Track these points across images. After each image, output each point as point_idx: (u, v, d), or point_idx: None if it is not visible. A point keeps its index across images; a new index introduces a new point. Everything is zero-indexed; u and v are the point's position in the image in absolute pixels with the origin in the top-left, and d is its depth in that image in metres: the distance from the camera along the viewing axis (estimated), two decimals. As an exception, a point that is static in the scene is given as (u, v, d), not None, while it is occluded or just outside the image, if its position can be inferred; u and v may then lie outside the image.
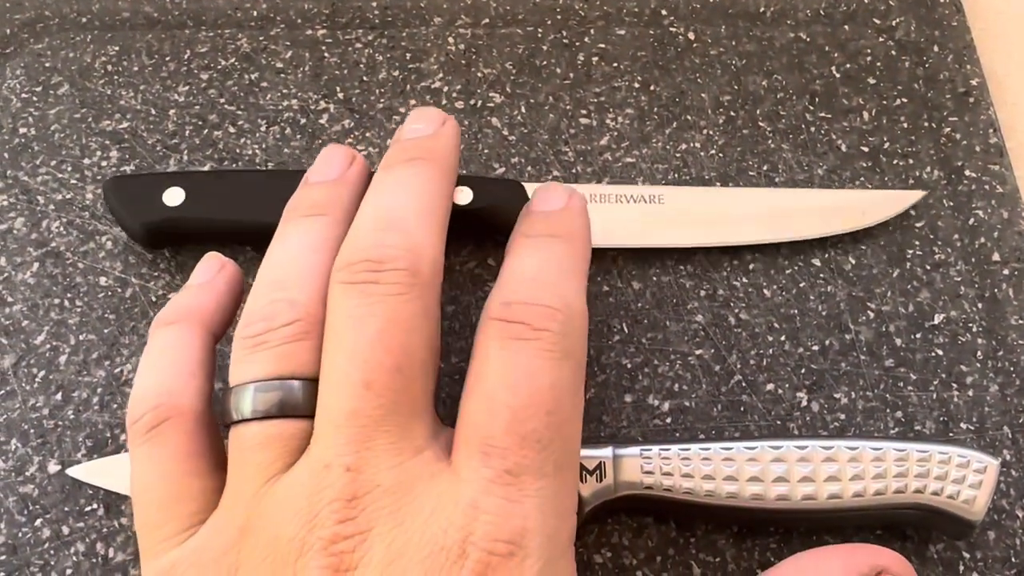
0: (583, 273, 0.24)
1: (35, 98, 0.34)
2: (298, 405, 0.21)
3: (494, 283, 0.31)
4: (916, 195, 0.32)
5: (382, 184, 0.24)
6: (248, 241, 0.31)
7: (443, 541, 0.19)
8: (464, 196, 0.30)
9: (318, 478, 0.19)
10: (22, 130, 0.33)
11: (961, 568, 0.27)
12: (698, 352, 0.30)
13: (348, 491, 0.19)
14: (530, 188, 0.31)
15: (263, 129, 0.34)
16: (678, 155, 0.33)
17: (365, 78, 0.35)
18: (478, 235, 0.32)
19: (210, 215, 0.30)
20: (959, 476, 0.26)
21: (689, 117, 0.34)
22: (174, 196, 0.29)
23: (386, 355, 0.20)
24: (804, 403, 0.29)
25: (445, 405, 0.29)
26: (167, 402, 0.22)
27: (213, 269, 0.25)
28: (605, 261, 0.31)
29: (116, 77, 0.35)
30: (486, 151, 0.33)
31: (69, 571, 0.27)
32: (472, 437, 0.20)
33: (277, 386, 0.21)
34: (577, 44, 0.36)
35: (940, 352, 0.30)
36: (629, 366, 0.30)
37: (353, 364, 0.20)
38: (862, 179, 0.33)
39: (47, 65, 0.35)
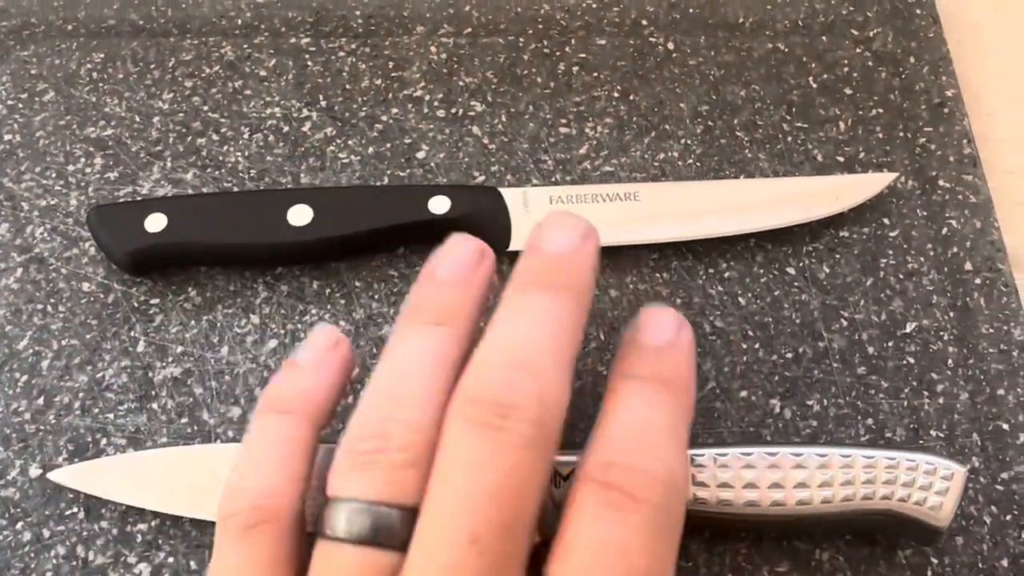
0: (687, 430, 0.22)
1: (20, 105, 0.35)
2: (395, 535, 0.20)
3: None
4: (888, 177, 0.33)
5: (516, 311, 0.22)
6: (233, 262, 0.31)
7: None
8: (441, 205, 0.31)
9: None
10: (7, 136, 0.34)
11: (929, 573, 0.28)
12: (673, 359, 0.30)
13: None
14: (508, 194, 0.32)
15: (246, 136, 0.34)
16: (656, 164, 0.34)
17: (348, 86, 0.35)
18: None
19: (193, 239, 0.30)
20: (926, 483, 0.26)
21: (668, 126, 0.35)
22: (156, 222, 0.30)
23: (499, 511, 0.19)
24: (777, 410, 0.30)
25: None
26: (269, 505, 0.21)
27: (326, 345, 0.24)
28: (582, 269, 0.32)
29: (101, 84, 0.35)
30: (466, 159, 0.34)
31: (49, 574, 0.27)
32: None
33: (378, 512, 0.20)
34: (558, 54, 0.36)
35: (912, 360, 0.31)
36: (605, 373, 0.30)
37: (463, 513, 0.19)
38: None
39: (33, 72, 0.35)
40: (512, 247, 0.31)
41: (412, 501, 0.20)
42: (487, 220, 0.31)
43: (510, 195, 0.32)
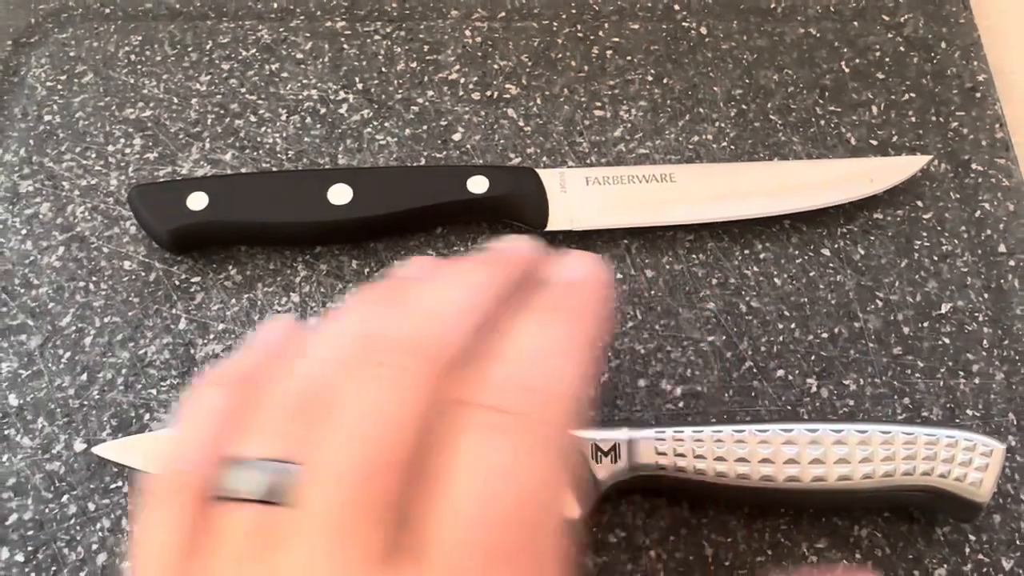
0: (586, 356, 0.21)
1: (60, 86, 0.35)
2: (288, 491, 0.19)
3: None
4: (922, 160, 0.33)
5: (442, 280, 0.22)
6: (273, 242, 0.32)
7: None
8: (479, 185, 0.31)
9: (291, 570, 0.18)
10: (47, 118, 0.34)
11: (967, 550, 0.28)
12: (710, 339, 0.31)
13: None
14: (545, 175, 0.32)
15: (283, 118, 0.34)
16: (690, 147, 0.34)
17: (383, 69, 0.35)
18: (493, 223, 0.32)
19: (234, 217, 0.30)
20: (966, 459, 0.26)
21: (701, 110, 0.35)
22: (198, 201, 0.30)
23: (389, 448, 0.19)
24: (814, 389, 0.30)
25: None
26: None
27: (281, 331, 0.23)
28: (619, 249, 0.32)
29: (139, 67, 0.35)
30: (502, 141, 0.34)
31: (95, 546, 0.27)
32: (435, 552, 0.18)
33: (270, 469, 0.20)
34: (592, 38, 0.37)
35: (947, 340, 0.31)
36: (643, 352, 0.30)
37: (348, 449, 0.19)
38: (871, 171, 0.34)
39: (71, 54, 0.36)
40: (550, 227, 0.31)
41: (301, 454, 0.19)
42: (525, 200, 0.31)
43: (547, 176, 0.32)
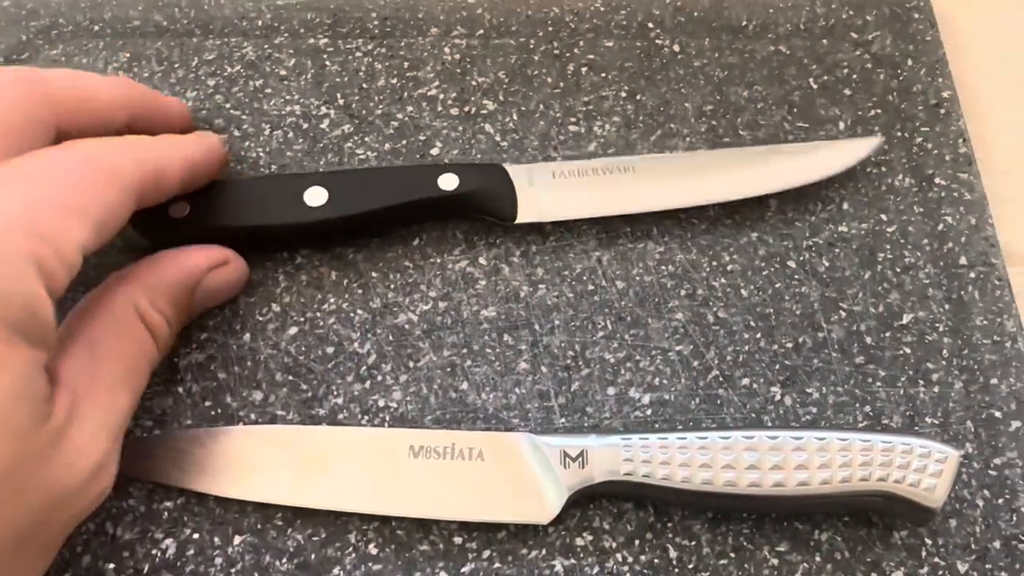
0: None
1: (49, 102, 0.36)
2: None
3: (485, 281, 0.33)
4: (874, 141, 0.34)
5: None
6: (254, 246, 0.33)
7: None
8: (450, 182, 0.32)
9: None
10: (37, 132, 0.35)
11: (923, 554, 0.29)
12: (678, 348, 0.32)
13: None
14: (512, 170, 0.33)
15: (267, 133, 0.35)
16: (662, 161, 0.35)
17: (365, 85, 0.37)
18: (465, 218, 0.33)
19: (215, 223, 0.31)
20: (921, 465, 0.27)
21: (673, 125, 0.36)
22: (179, 209, 0.31)
23: None
24: (778, 397, 0.31)
25: (436, 396, 0.30)
26: None
27: None
28: (590, 261, 0.33)
29: (127, 82, 0.36)
30: (479, 156, 0.35)
31: (79, 548, 0.28)
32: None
33: None
34: (567, 55, 0.38)
35: (908, 350, 0.32)
36: (612, 361, 0.31)
37: None
38: (836, 185, 0.35)
39: (61, 70, 0.37)
40: (520, 219, 0.32)
41: None
42: (495, 195, 0.32)
43: (515, 171, 0.33)
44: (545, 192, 0.33)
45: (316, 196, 0.31)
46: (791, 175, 0.33)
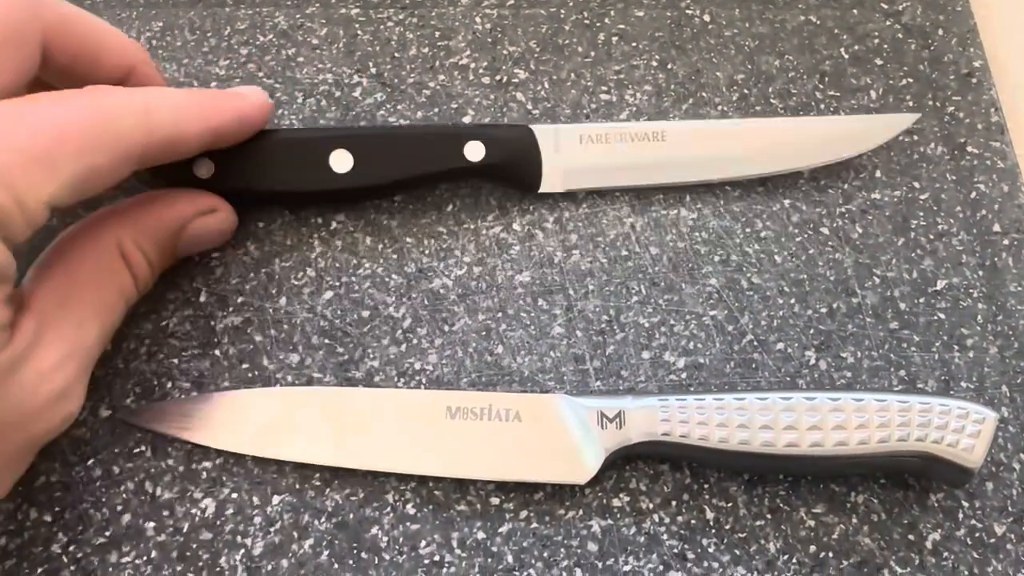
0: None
1: (83, 70, 0.36)
2: None
3: (519, 246, 0.33)
4: (911, 118, 0.34)
5: None
6: (283, 207, 0.33)
7: None
8: (476, 151, 0.32)
9: None
10: (71, 100, 0.35)
11: (960, 516, 0.29)
12: (712, 313, 0.32)
13: None
14: (539, 131, 0.33)
15: (300, 101, 0.35)
16: (694, 129, 0.35)
17: (396, 54, 0.37)
18: (490, 184, 0.34)
19: (240, 185, 0.31)
20: (959, 426, 0.27)
21: (704, 94, 0.36)
22: (205, 168, 0.31)
23: None
24: (812, 361, 0.31)
25: (472, 359, 0.31)
26: None
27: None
28: (624, 228, 0.33)
29: (160, 51, 0.36)
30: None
31: (119, 507, 0.28)
32: None
33: None
34: (598, 24, 0.38)
35: (942, 316, 0.32)
36: (647, 325, 0.31)
37: None
38: (869, 154, 0.35)
39: (94, 40, 0.37)
40: (542, 189, 0.33)
41: None
42: (519, 164, 0.32)
43: (542, 133, 0.33)
44: (571, 159, 0.33)
45: (342, 162, 0.31)
46: (825, 150, 0.33)
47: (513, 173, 0.32)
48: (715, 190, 0.34)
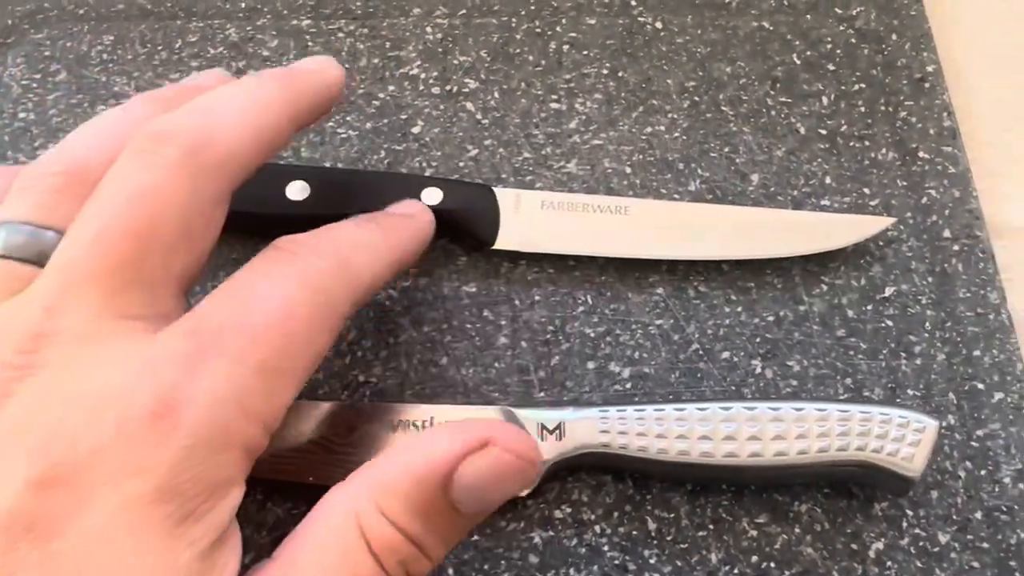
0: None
1: (35, 85, 0.36)
2: (44, 254, 0.21)
3: (466, 257, 0.33)
4: (884, 222, 0.32)
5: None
6: (235, 230, 0.33)
7: (104, 390, 0.19)
8: (433, 196, 0.31)
9: (16, 310, 0.20)
10: (22, 115, 0.35)
11: (904, 524, 0.29)
12: (658, 322, 0.32)
13: (36, 328, 0.19)
14: (500, 194, 0.32)
15: (249, 113, 0.35)
16: (644, 138, 0.35)
17: (347, 65, 0.37)
18: (444, 235, 0.32)
19: None
20: (899, 435, 0.27)
21: (655, 102, 0.36)
22: None
23: (129, 218, 0.20)
24: (758, 370, 0.31)
25: (416, 371, 0.31)
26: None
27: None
28: (571, 237, 0.33)
29: (111, 65, 0.37)
30: (460, 134, 0.35)
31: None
32: (189, 319, 0.21)
33: (27, 231, 0.21)
34: (549, 33, 0.38)
35: (890, 323, 0.32)
36: (592, 335, 0.31)
37: (93, 217, 0.20)
38: (819, 160, 0.35)
39: (46, 54, 0.37)
40: (498, 245, 0.32)
41: (60, 223, 0.21)
42: (477, 217, 0.32)
43: (503, 195, 0.32)
44: (530, 223, 0.32)
45: (298, 191, 0.31)
46: (794, 245, 0.32)
47: (469, 224, 0.32)
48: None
